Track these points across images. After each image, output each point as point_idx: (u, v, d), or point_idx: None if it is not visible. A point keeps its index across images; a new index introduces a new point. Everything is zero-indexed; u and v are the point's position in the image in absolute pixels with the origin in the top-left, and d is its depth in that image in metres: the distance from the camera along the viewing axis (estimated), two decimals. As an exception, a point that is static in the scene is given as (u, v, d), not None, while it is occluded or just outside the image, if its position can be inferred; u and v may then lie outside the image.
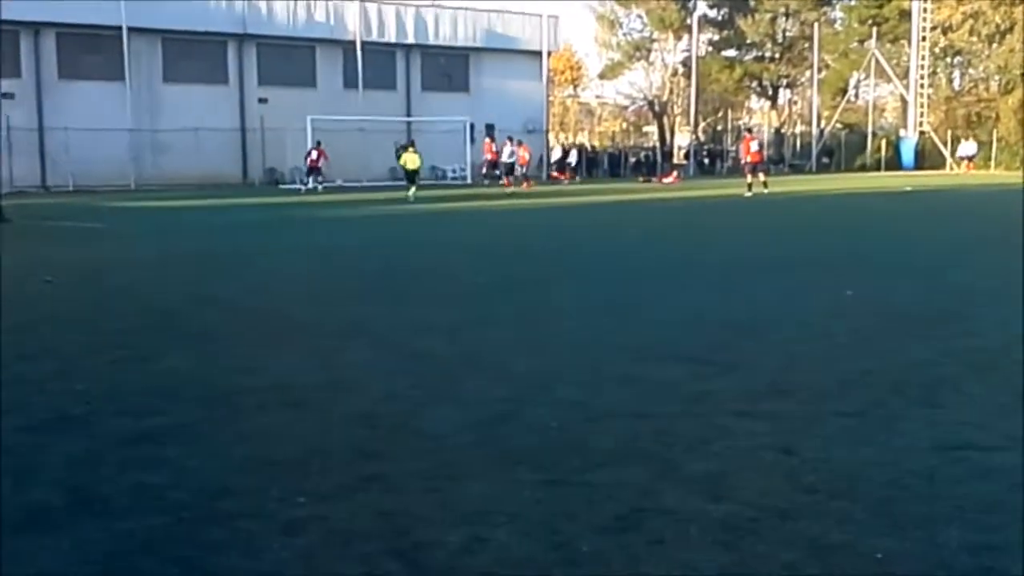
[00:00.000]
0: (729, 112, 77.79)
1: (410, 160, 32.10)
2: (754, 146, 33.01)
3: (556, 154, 49.62)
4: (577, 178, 47.11)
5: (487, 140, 41.11)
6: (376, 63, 46.67)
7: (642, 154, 54.93)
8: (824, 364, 7.08)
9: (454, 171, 46.51)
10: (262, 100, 44.24)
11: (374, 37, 46.85)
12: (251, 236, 19.81)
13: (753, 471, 4.75)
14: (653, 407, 5.95)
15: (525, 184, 38.77)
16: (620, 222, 23.32)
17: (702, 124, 77.41)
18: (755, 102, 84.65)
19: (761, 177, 32.37)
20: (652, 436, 5.34)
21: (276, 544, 3.93)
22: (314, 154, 37.89)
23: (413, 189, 31.04)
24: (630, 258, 14.87)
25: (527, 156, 41.72)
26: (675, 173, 48.80)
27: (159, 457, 5.08)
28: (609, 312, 9.72)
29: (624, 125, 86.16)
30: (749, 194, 30.66)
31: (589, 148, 61.06)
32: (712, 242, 17.63)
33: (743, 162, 33.44)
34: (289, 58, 45.54)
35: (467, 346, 8.02)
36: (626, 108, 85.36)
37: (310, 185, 37.46)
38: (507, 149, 39.63)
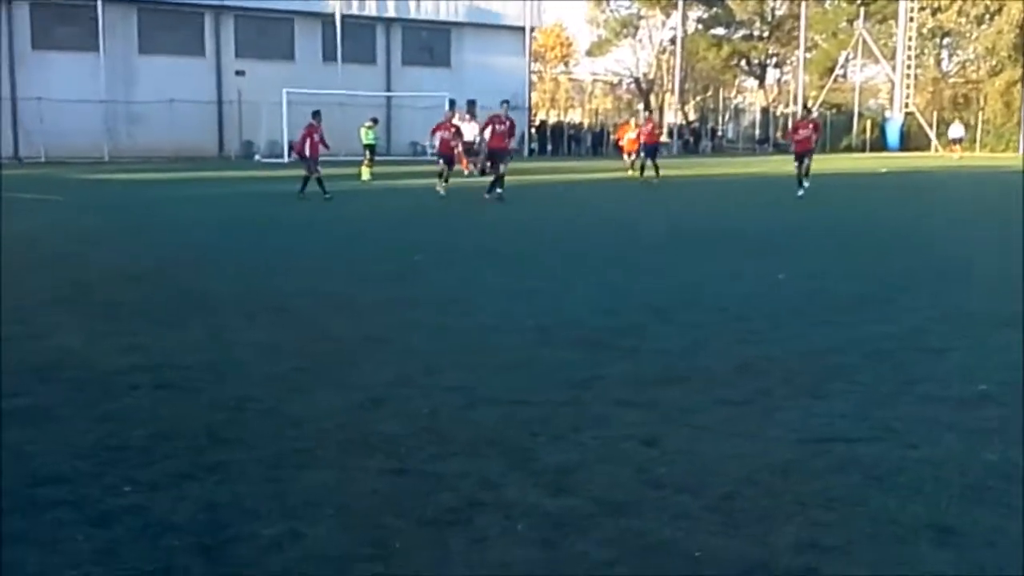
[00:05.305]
0: (721, 91, 77.50)
1: (363, 135, 30.34)
2: (632, 134, 32.48)
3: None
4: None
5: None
6: (356, 36, 46.16)
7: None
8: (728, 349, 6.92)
9: (434, 147, 45.92)
10: (239, 72, 43.76)
11: (354, 10, 46.33)
12: (207, 210, 19.55)
13: (609, 463, 4.59)
14: (536, 394, 5.79)
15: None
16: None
17: (691, 103, 77.09)
18: (744, 81, 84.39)
19: (636, 161, 30.96)
20: (523, 424, 5.18)
21: (80, 536, 3.75)
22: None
23: (366, 167, 28.68)
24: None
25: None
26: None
27: (-2, 441, 4.89)
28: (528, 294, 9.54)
29: (615, 103, 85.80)
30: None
31: (549, 125, 58.78)
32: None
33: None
34: (267, 30, 44.99)
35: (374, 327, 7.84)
36: (618, 85, 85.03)
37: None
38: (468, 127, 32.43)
